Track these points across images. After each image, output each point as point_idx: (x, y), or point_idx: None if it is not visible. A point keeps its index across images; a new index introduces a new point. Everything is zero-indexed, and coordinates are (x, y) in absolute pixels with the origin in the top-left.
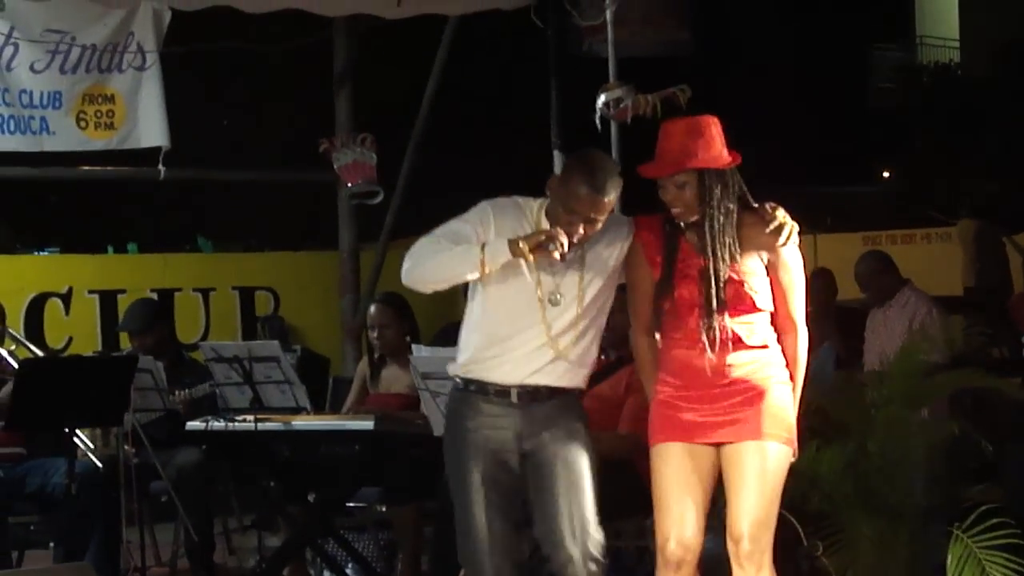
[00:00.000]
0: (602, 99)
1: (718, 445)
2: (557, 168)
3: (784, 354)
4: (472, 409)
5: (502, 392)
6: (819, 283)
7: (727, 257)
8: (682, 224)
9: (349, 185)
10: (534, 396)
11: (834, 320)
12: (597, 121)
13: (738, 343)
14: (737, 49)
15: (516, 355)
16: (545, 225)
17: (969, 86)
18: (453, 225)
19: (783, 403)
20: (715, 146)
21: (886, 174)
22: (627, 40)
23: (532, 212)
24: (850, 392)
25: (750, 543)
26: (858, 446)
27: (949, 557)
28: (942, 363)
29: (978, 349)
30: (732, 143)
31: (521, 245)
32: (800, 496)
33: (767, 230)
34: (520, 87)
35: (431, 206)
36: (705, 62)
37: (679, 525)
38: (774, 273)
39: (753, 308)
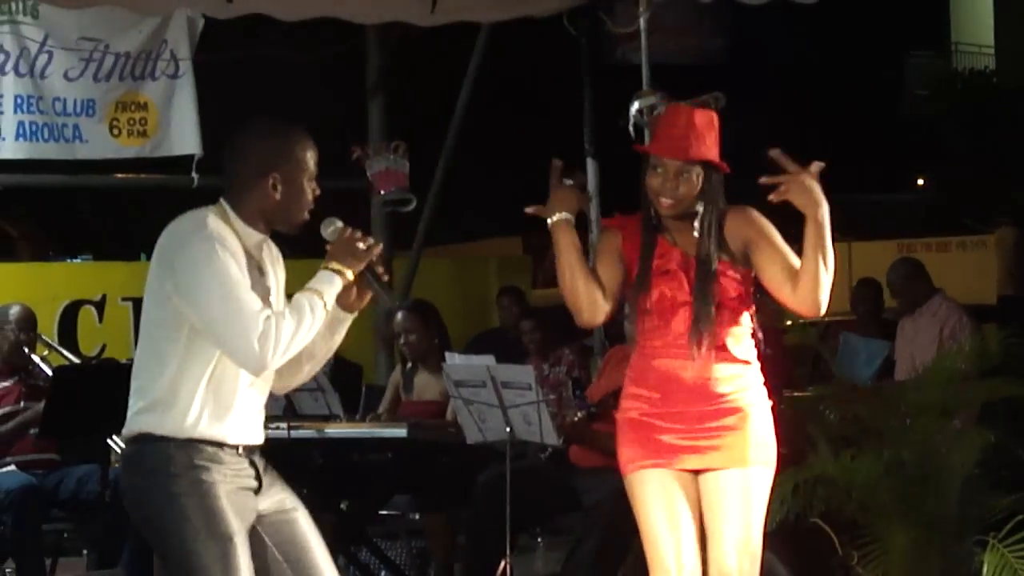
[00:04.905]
0: (635, 106)
1: (697, 472)
2: (591, 176)
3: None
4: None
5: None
6: (864, 292)
7: (716, 246)
8: (660, 223)
9: (382, 193)
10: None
11: (880, 329)
12: (630, 128)
13: (723, 351)
14: (771, 56)
15: (251, 407)
16: (250, 233)
17: (1004, 93)
18: (232, 288)
19: (768, 427)
20: (718, 146)
21: (921, 182)
22: (661, 48)
23: (228, 225)
24: (884, 400)
25: None
26: (893, 455)
27: (984, 566)
28: (973, 372)
29: (1014, 358)
30: (766, 152)
31: (342, 268)
32: (835, 505)
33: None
34: (553, 94)
35: (464, 214)
36: (739, 69)
37: (678, 555)
38: (763, 244)
39: (738, 304)
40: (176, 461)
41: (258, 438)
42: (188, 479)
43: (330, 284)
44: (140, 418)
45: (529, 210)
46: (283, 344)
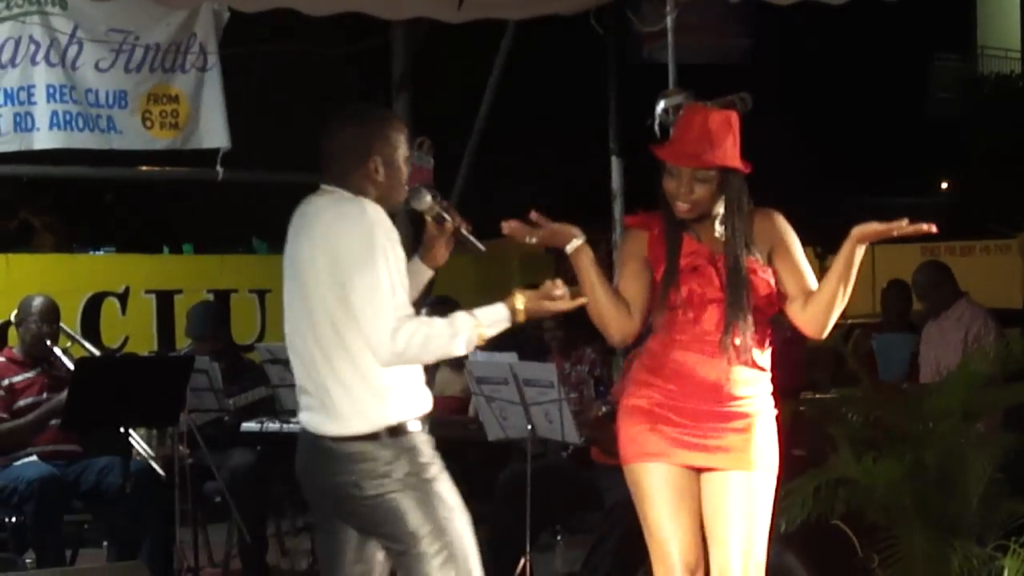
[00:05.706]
0: (661, 105)
1: (699, 470)
2: (616, 174)
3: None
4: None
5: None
6: (894, 294)
7: (743, 249)
8: (683, 221)
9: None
10: None
11: (907, 331)
12: (656, 127)
13: (746, 354)
14: (797, 58)
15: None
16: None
17: None
18: (383, 279)
19: (773, 434)
20: (737, 146)
21: (945, 185)
22: (687, 47)
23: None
24: (907, 404)
25: None
26: (915, 458)
27: (1005, 571)
28: (997, 376)
29: None
30: (791, 152)
31: (521, 313)
32: (856, 507)
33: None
34: (579, 92)
35: (488, 211)
36: (765, 70)
37: (682, 550)
38: (784, 253)
39: (767, 305)
40: (380, 455)
41: (431, 402)
42: (397, 469)
43: (498, 323)
44: (329, 422)
45: (508, 230)
46: (415, 348)
